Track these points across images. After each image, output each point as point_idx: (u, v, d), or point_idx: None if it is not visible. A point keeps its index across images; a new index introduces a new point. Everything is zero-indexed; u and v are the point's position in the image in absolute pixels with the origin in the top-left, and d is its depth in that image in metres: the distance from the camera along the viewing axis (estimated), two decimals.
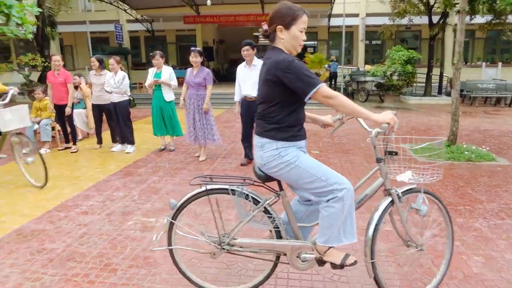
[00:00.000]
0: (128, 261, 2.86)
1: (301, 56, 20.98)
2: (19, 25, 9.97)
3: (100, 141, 6.79)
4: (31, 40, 13.01)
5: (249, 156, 5.58)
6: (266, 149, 2.05)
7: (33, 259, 2.90)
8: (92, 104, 6.61)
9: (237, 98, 5.48)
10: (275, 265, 2.31)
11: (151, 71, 6.19)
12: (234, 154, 6.23)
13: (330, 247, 2.07)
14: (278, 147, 2.03)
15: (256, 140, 2.12)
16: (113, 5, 17.35)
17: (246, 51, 5.18)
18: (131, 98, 6.41)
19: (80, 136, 7.49)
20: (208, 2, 14.99)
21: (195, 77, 5.68)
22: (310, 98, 1.94)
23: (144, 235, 3.30)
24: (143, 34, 21.47)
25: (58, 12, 16.62)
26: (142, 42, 22.09)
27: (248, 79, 5.24)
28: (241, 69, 5.40)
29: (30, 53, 15.83)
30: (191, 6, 17.10)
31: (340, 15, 17.83)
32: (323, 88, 1.92)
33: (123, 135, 6.45)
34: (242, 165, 5.52)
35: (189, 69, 5.85)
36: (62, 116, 6.40)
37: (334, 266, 2.08)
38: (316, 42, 21.25)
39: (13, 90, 4.66)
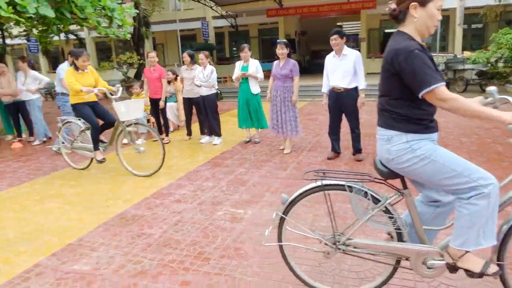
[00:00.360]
0: (219, 251, 2.90)
1: None
2: (119, 27, 10.89)
3: (189, 133, 7.11)
4: (128, 40, 14.22)
5: (336, 149, 5.37)
6: (394, 143, 1.86)
7: (134, 242, 3.09)
8: (183, 97, 6.94)
9: (324, 89, 5.28)
10: (394, 269, 2.11)
11: (238, 64, 6.28)
12: (319, 147, 6.05)
13: (467, 251, 1.83)
14: (408, 140, 1.83)
15: (381, 132, 1.94)
16: (201, 2, 18.10)
17: (334, 40, 4.95)
18: (218, 92, 6.58)
19: (171, 128, 7.92)
20: None
21: (282, 69, 5.61)
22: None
23: (234, 226, 3.33)
24: (227, 30, 22.12)
25: (152, 13, 17.84)
26: (226, 37, 22.76)
27: (337, 69, 5.02)
28: (329, 59, 5.18)
29: (128, 52, 17.28)
30: None
31: None
32: (440, 89, 1.68)
33: (211, 127, 6.66)
34: (329, 158, 5.33)
35: (275, 62, 5.80)
36: (156, 109, 6.82)
37: (471, 274, 1.84)
38: None
39: (121, 88, 5.09)
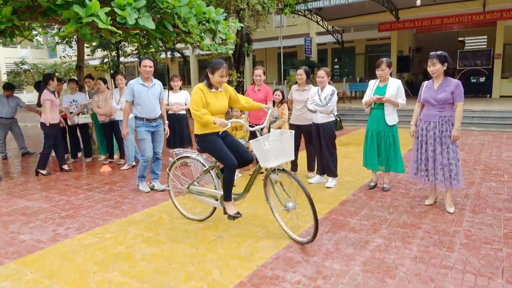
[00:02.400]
0: None
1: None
2: (223, 41, 10.05)
3: (295, 168, 5.69)
4: (230, 57, 13.60)
5: None
6: None
7: None
8: (289, 124, 5.57)
9: None
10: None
11: (372, 84, 4.69)
12: (489, 206, 4.10)
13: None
14: None
15: None
16: (307, 17, 16.95)
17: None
18: (338, 119, 5.05)
19: None
20: (418, 2, 12.72)
21: (438, 92, 3.88)
22: None
23: None
24: (331, 46, 20.61)
25: (255, 29, 17.21)
26: (329, 54, 21.23)
27: None
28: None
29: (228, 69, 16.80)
30: (390, 11, 15.11)
31: None
32: None
33: (325, 164, 5.14)
34: None
35: (426, 82, 4.10)
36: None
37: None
38: None
39: (272, 111, 3.87)
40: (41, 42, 33.17)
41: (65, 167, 6.64)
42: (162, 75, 27.27)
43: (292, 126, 5.47)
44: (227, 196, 3.52)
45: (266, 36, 19.93)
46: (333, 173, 5.07)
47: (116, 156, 7.46)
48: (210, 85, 3.54)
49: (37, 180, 6.09)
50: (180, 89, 6.58)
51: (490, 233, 3.46)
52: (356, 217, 3.95)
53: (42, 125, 6.42)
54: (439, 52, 3.84)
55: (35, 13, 5.55)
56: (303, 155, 5.76)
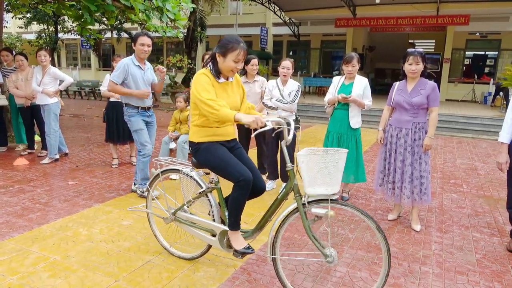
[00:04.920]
0: None
1: (480, 68, 16.97)
2: (172, 22, 9.11)
3: (264, 171, 5.03)
4: (181, 40, 12.62)
5: None
6: None
7: None
8: (237, 125, 4.88)
9: (505, 137, 3.06)
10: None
11: (337, 81, 4.14)
12: (455, 222, 3.74)
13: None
14: None
15: None
16: (264, 5, 16.29)
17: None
18: (298, 118, 4.48)
19: None
20: (377, 0, 12.55)
21: (413, 94, 3.41)
22: None
23: None
24: (287, 39, 20.17)
25: (209, 14, 16.27)
26: (285, 46, 20.79)
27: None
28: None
29: (178, 54, 15.75)
30: (348, 7, 14.89)
31: None
32: None
33: (284, 169, 4.56)
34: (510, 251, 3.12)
35: (397, 83, 3.63)
36: None
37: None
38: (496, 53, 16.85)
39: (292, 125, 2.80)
40: None
41: None
42: (107, 56, 25.36)
43: (240, 127, 4.80)
44: (234, 225, 2.44)
45: (221, 23, 19.05)
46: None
47: (37, 146, 6.37)
48: (217, 73, 2.44)
49: None
50: None
51: (462, 259, 3.06)
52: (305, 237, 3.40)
53: None
54: (420, 50, 3.36)
55: None
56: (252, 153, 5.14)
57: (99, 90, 17.58)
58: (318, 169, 2.15)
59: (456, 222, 3.83)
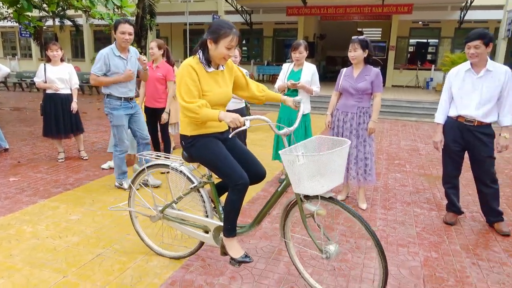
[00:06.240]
0: None
1: (422, 55, 17.91)
2: (119, 8, 8.77)
3: None
4: None
5: (457, 208, 3.47)
6: None
7: None
8: None
9: (440, 118, 3.29)
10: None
11: (286, 67, 4.21)
12: (398, 200, 3.99)
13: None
14: None
15: None
16: None
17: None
18: (248, 105, 4.52)
19: (172, 144, 5.84)
20: None
21: (358, 80, 3.57)
22: None
23: None
24: (239, 27, 20.03)
25: (159, 0, 15.78)
26: None
27: (474, 89, 3.06)
28: (461, 73, 3.20)
29: None
30: None
31: (480, 7, 14.52)
32: None
33: None
34: (447, 223, 3.44)
35: (345, 69, 3.77)
36: (155, 123, 4.76)
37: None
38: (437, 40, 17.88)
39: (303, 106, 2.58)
40: None
41: None
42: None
43: None
44: (230, 231, 2.33)
45: (172, 10, 18.54)
46: None
47: None
48: (208, 62, 2.26)
49: None
50: (62, 60, 5.32)
51: (404, 232, 3.29)
52: (268, 219, 3.49)
53: None
54: (361, 37, 3.51)
55: None
56: None
57: (31, 81, 16.59)
58: (308, 169, 2.01)
59: (399, 200, 4.09)
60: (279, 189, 2.31)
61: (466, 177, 4.42)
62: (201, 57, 2.26)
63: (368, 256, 2.85)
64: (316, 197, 2.11)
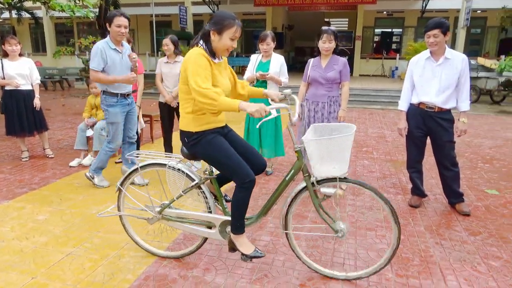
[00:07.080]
0: None
1: (388, 44, 18.33)
2: (80, 1, 8.47)
3: (170, 150, 4.98)
4: (92, 19, 11.73)
5: (421, 191, 3.62)
6: None
7: None
8: (159, 102, 4.78)
9: (403, 106, 3.41)
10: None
11: (254, 59, 4.23)
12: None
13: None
14: None
15: None
16: None
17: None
18: None
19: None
20: None
21: (327, 70, 3.64)
22: None
23: None
24: (207, 18, 19.79)
25: None
26: None
27: (434, 76, 3.20)
28: (421, 61, 3.33)
29: (91, 36, 14.68)
30: None
31: None
32: None
33: None
34: (412, 206, 3.61)
35: (312, 59, 3.83)
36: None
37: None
38: (401, 30, 18.38)
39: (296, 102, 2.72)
40: None
41: None
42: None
43: (160, 105, 4.72)
44: (239, 228, 2.32)
45: (137, 1, 18.04)
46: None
47: None
48: (212, 53, 2.22)
49: None
50: (21, 55, 5.08)
51: (372, 217, 3.41)
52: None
53: None
54: (333, 28, 3.60)
55: None
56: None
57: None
58: (326, 151, 2.13)
59: None
60: (287, 178, 2.34)
61: (429, 162, 4.61)
62: (206, 49, 2.21)
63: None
64: (331, 179, 2.23)
